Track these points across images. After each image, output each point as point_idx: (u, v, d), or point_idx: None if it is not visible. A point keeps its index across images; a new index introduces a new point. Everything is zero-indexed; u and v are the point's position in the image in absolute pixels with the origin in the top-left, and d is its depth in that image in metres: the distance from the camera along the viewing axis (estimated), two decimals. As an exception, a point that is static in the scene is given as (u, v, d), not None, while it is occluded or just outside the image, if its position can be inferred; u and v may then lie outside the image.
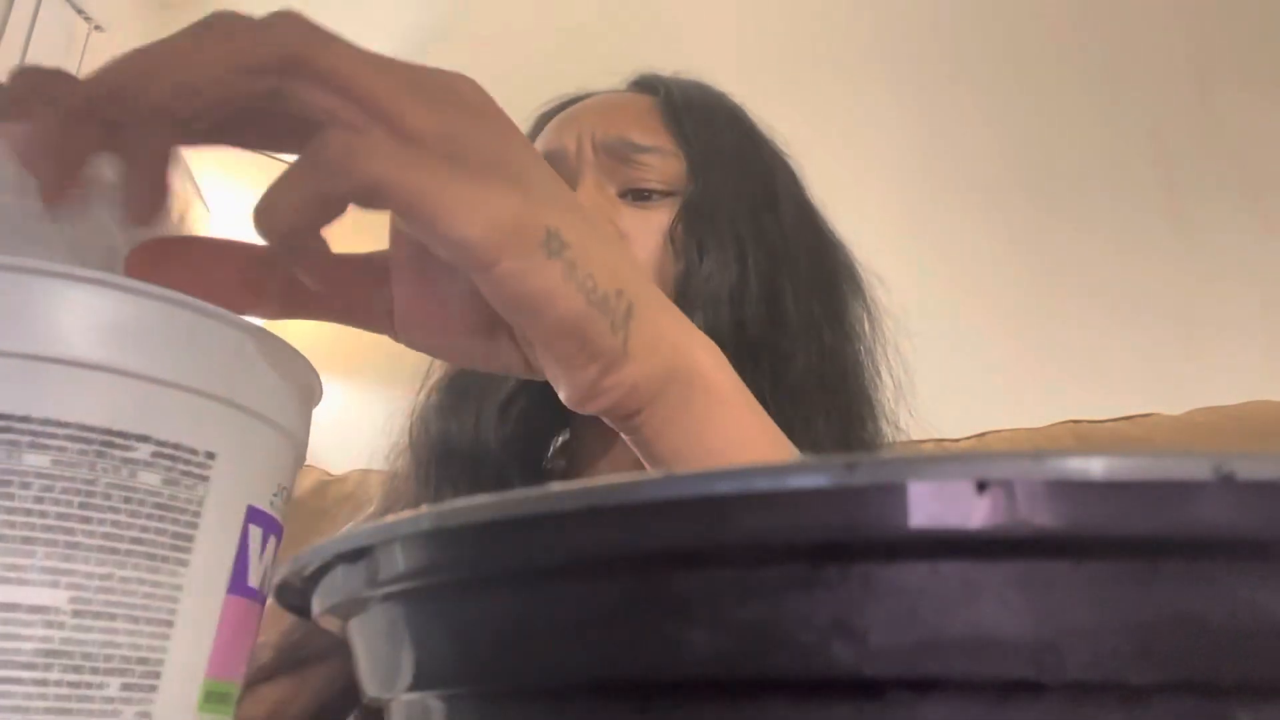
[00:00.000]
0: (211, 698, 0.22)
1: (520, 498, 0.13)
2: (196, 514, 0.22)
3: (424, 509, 0.14)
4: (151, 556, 0.21)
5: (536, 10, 1.76)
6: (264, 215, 0.25)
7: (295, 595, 0.19)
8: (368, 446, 0.69)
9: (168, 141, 0.26)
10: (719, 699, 0.12)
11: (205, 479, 0.22)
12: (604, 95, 0.67)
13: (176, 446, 0.21)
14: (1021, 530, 0.11)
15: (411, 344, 0.32)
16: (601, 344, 0.28)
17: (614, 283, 0.29)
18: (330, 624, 0.19)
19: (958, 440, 0.95)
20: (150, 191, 0.26)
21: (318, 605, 0.19)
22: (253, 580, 0.24)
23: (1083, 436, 0.94)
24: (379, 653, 0.17)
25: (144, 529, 0.21)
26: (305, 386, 0.26)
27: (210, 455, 0.22)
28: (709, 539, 0.12)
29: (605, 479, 0.12)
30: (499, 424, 0.60)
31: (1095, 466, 0.11)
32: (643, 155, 0.59)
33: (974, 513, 0.11)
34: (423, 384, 0.65)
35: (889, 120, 1.54)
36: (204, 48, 0.24)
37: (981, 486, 0.11)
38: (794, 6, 1.65)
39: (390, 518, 0.15)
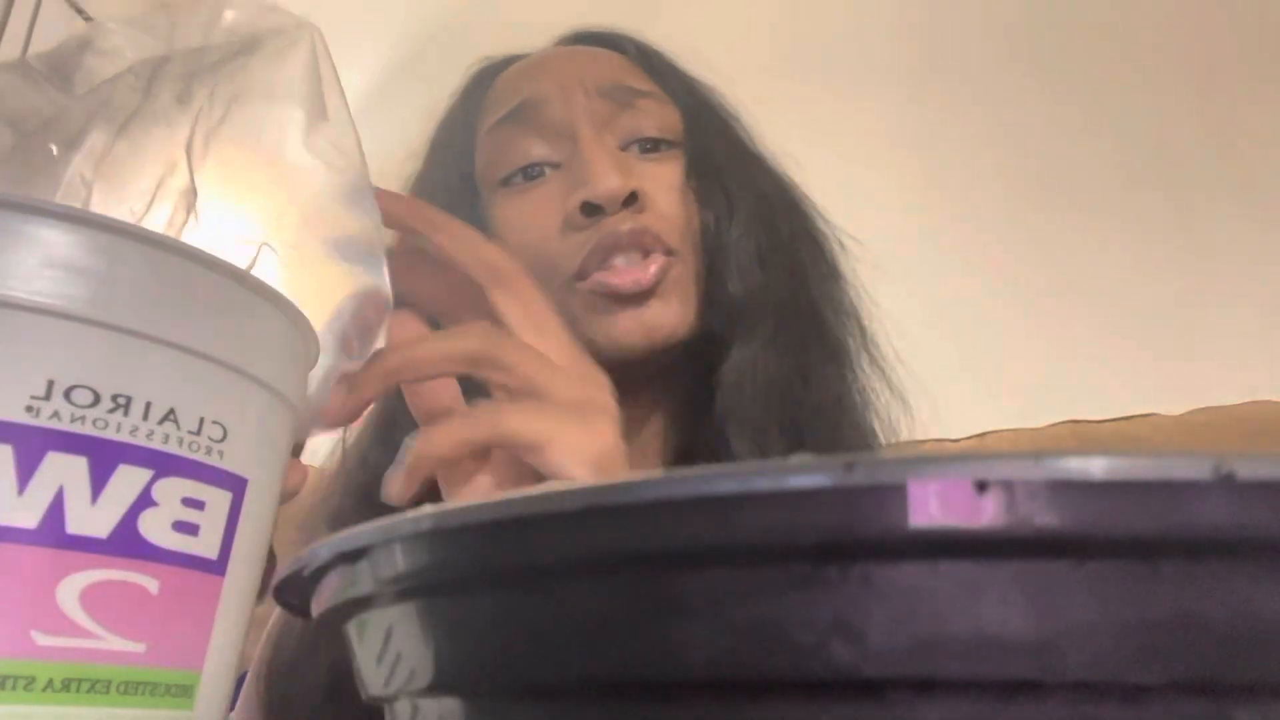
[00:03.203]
0: None
1: (520, 498, 0.13)
2: None
3: (425, 509, 0.14)
4: None
5: (533, 10, 1.76)
6: (424, 447, 0.34)
7: (295, 595, 0.19)
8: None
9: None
10: (719, 699, 0.12)
11: None
12: (572, 48, 0.62)
13: None
14: (1021, 530, 0.11)
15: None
16: None
17: None
18: (330, 624, 0.19)
19: (958, 440, 0.95)
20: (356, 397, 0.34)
21: (318, 605, 0.18)
22: (3, 516, 0.18)
23: (1083, 436, 0.94)
24: (378, 653, 0.17)
25: None
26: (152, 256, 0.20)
27: None
28: (709, 539, 0.12)
29: (605, 479, 0.12)
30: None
31: (1095, 466, 0.11)
32: (642, 100, 0.55)
33: (974, 513, 0.11)
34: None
35: (889, 121, 1.54)
36: (430, 345, 0.35)
37: (981, 486, 0.11)
38: (796, 9, 1.65)
39: (390, 518, 0.15)
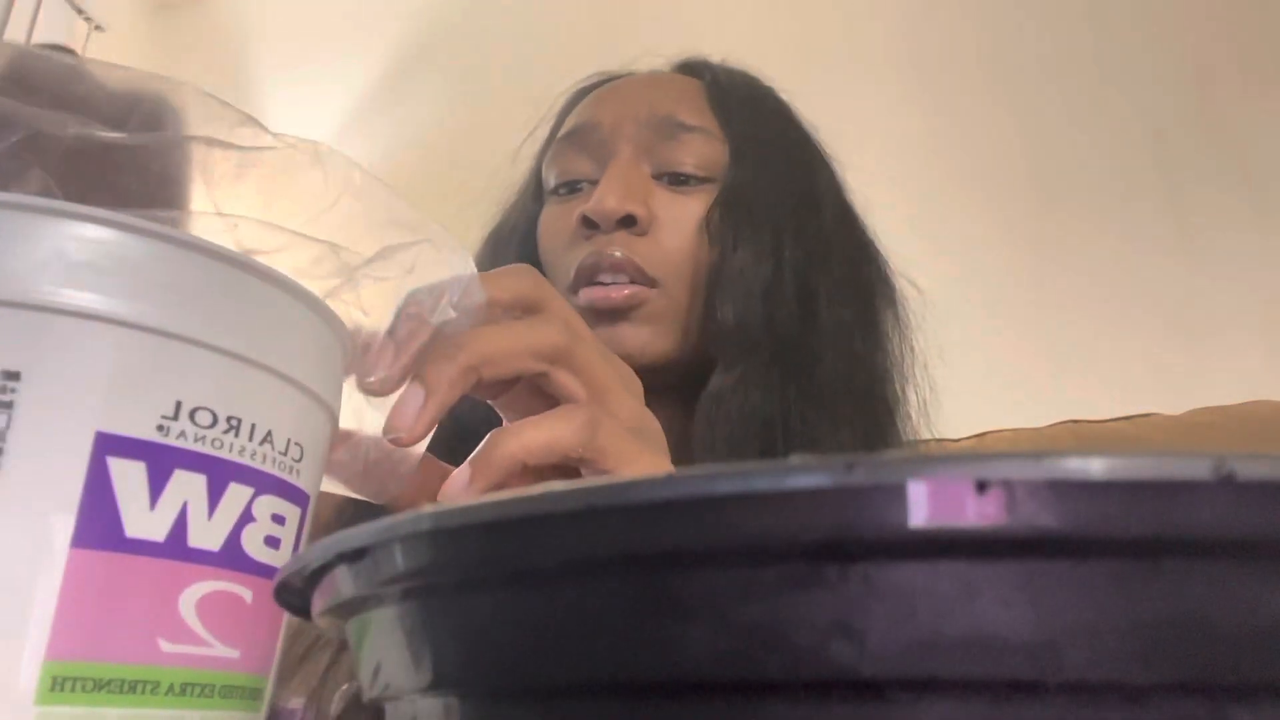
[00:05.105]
0: (78, 686, 0.17)
1: (520, 498, 0.13)
2: None
3: (425, 508, 0.14)
4: None
5: (533, 6, 1.76)
6: (507, 437, 0.31)
7: (295, 595, 0.19)
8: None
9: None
10: (719, 699, 0.12)
11: (7, 405, 0.17)
12: (649, 73, 0.65)
13: None
14: (1021, 530, 0.11)
15: None
16: None
17: None
18: (330, 624, 0.19)
19: (958, 440, 0.95)
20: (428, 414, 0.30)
21: (318, 605, 0.18)
22: (137, 529, 0.18)
23: (1083, 436, 0.94)
24: (378, 653, 0.17)
25: None
26: (240, 281, 0.21)
27: (12, 375, 0.17)
28: (709, 539, 0.12)
29: (604, 478, 0.12)
30: None
31: (1095, 466, 0.11)
32: (686, 135, 0.57)
33: (974, 513, 0.11)
34: None
35: (889, 120, 1.54)
36: (511, 336, 0.32)
37: (981, 486, 0.11)
38: (798, 6, 1.65)
39: (390, 518, 0.15)
